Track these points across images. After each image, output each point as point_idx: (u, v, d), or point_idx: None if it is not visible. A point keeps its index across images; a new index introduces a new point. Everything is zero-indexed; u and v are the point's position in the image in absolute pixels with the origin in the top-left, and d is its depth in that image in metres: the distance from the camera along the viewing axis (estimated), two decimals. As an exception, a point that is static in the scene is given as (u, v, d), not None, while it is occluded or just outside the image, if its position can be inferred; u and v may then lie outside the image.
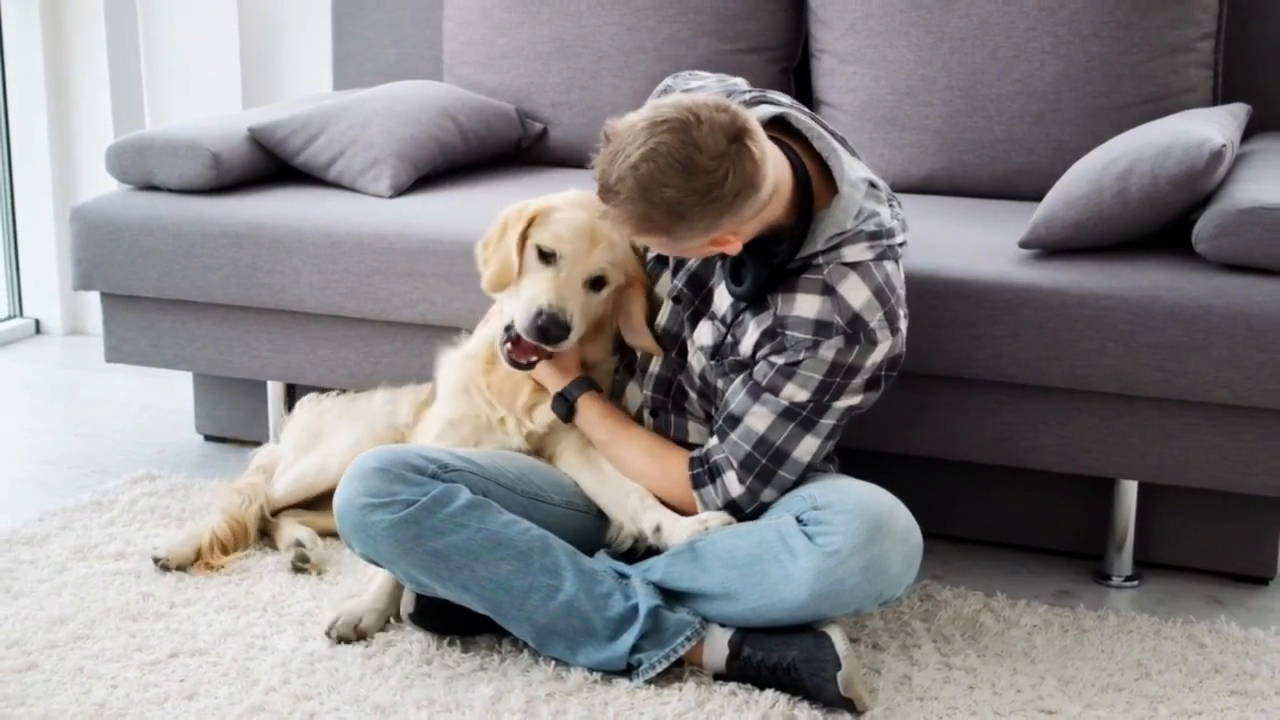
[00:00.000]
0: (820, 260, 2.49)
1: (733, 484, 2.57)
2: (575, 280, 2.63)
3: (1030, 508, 3.10)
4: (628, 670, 2.50)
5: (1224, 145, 2.80)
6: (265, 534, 3.05)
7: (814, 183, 2.49)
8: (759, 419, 2.53)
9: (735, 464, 2.56)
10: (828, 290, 2.48)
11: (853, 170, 2.53)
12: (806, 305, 2.49)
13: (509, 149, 3.79)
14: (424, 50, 4.04)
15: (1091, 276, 2.81)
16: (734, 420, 2.56)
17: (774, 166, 2.39)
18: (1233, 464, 2.80)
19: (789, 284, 2.51)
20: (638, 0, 3.69)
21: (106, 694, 2.45)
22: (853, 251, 2.49)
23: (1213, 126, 2.91)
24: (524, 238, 2.67)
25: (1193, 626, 2.76)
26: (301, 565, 2.89)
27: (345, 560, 2.91)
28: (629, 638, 2.49)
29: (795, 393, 2.51)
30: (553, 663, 2.53)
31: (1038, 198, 3.11)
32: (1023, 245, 2.91)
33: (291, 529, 2.99)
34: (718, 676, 2.52)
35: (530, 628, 2.52)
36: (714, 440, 2.60)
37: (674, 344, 2.68)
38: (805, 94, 3.68)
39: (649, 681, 2.48)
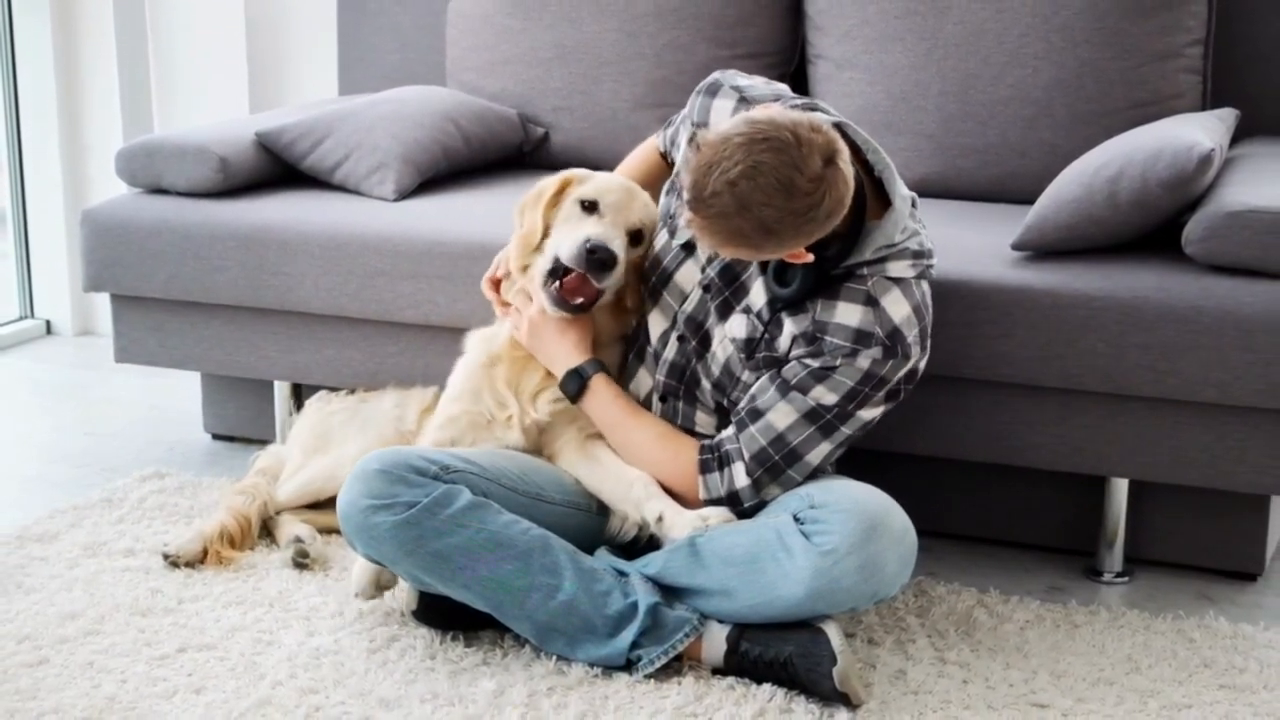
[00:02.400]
0: (865, 271, 2.52)
1: (739, 475, 2.59)
2: (619, 226, 2.69)
3: (1023, 505, 3.12)
4: (628, 666, 2.52)
5: (1212, 149, 2.82)
6: (268, 532, 3.08)
7: (867, 193, 2.51)
8: (782, 416, 2.55)
9: (747, 456, 2.57)
10: (871, 301, 2.51)
11: (901, 186, 2.57)
12: (848, 314, 2.51)
13: (511, 153, 3.80)
14: (427, 56, 4.04)
15: (1083, 278, 2.83)
16: (756, 414, 2.57)
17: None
18: (1222, 462, 2.82)
19: (830, 290, 2.53)
20: (637, 7, 3.70)
21: (116, 688, 2.47)
22: (897, 267, 2.52)
23: (1202, 131, 2.93)
24: (556, 203, 2.74)
25: (1182, 622, 2.78)
26: (301, 561, 2.91)
27: (349, 556, 2.91)
28: (628, 634, 2.51)
29: (823, 395, 2.53)
30: (554, 657, 2.55)
31: (1030, 201, 3.11)
32: (1016, 247, 2.93)
33: (292, 526, 3.01)
34: (716, 671, 2.53)
35: (531, 625, 2.54)
36: (730, 430, 2.62)
37: (696, 332, 2.69)
38: (803, 99, 3.71)
39: (648, 676, 2.50)
